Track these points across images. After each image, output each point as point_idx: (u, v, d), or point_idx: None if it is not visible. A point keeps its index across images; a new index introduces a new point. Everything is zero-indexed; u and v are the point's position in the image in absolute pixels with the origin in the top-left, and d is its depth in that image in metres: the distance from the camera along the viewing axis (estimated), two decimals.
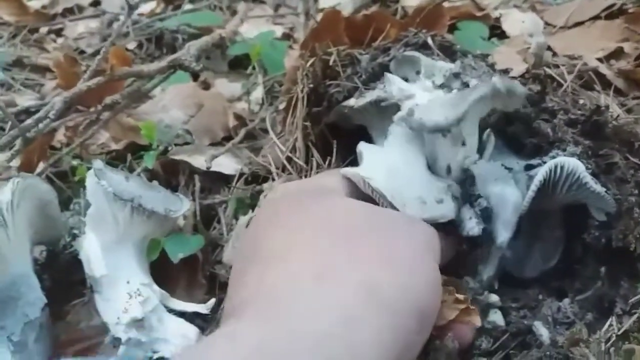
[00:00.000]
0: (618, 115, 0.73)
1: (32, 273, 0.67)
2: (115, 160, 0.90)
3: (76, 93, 0.74)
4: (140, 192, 0.65)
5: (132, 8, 0.82)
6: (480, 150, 0.72)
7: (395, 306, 0.41)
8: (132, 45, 1.38)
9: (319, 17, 1.27)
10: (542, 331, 0.63)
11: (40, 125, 0.75)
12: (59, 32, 1.54)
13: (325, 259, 0.42)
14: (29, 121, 0.73)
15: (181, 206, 0.70)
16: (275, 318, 0.38)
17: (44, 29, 1.55)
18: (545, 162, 0.67)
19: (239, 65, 1.23)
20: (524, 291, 0.71)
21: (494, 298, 0.68)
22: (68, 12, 1.61)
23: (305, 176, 0.79)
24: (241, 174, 0.84)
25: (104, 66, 0.80)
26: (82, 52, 1.42)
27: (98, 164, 0.65)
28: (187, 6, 1.35)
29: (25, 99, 1.15)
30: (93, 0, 1.65)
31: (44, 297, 0.65)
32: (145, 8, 1.51)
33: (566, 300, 0.68)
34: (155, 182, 0.72)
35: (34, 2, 1.65)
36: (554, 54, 0.97)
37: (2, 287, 0.63)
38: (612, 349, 0.56)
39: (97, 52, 1.34)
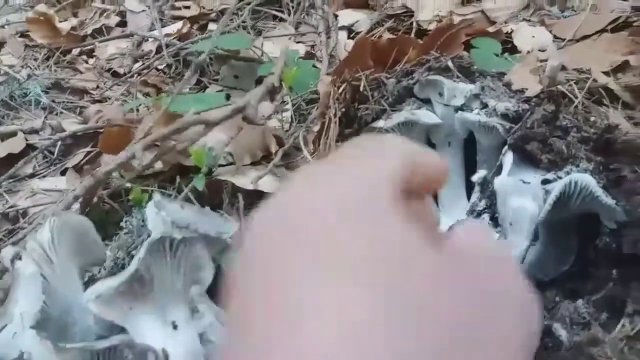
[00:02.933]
0: (627, 132, 0.80)
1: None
2: (163, 182, 0.98)
3: (152, 140, 0.82)
4: (195, 219, 0.73)
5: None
6: (500, 166, 0.79)
7: None
8: (162, 66, 1.46)
9: (340, 35, 1.35)
10: (561, 332, 0.70)
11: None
12: (90, 54, 1.62)
13: None
14: (111, 167, 0.80)
15: (231, 228, 0.78)
16: None
17: (75, 51, 1.63)
18: (560, 177, 0.75)
19: (260, 81, 1.30)
20: (542, 293, 0.78)
21: None
22: (97, 33, 1.69)
23: None
24: None
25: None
26: (115, 73, 1.50)
27: (157, 196, 0.73)
28: (213, 26, 1.42)
29: (69, 123, 1.23)
30: (120, 21, 1.73)
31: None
32: (172, 28, 1.58)
33: (580, 301, 0.75)
34: (207, 208, 0.79)
35: (64, 23, 1.73)
36: (564, 68, 1.04)
37: (57, 316, 0.68)
38: (626, 348, 0.63)
39: (131, 75, 1.43)
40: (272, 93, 1.05)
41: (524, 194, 0.75)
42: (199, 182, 0.87)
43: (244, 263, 0.29)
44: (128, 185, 0.96)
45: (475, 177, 0.79)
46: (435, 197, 0.95)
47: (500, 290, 0.29)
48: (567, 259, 0.81)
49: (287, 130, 1.10)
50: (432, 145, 0.94)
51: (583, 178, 0.72)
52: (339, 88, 0.89)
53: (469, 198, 0.87)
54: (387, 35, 1.25)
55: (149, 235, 0.71)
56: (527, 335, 0.29)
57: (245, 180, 0.93)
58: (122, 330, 0.69)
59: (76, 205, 0.92)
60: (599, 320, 0.72)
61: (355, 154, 0.33)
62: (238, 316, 0.27)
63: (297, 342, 0.24)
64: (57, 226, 0.73)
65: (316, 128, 0.93)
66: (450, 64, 0.90)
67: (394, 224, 0.28)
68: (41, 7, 1.67)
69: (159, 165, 0.95)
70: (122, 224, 0.84)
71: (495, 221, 0.79)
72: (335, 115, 0.89)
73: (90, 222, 0.78)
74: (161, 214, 0.70)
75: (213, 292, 0.79)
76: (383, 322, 0.24)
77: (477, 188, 0.77)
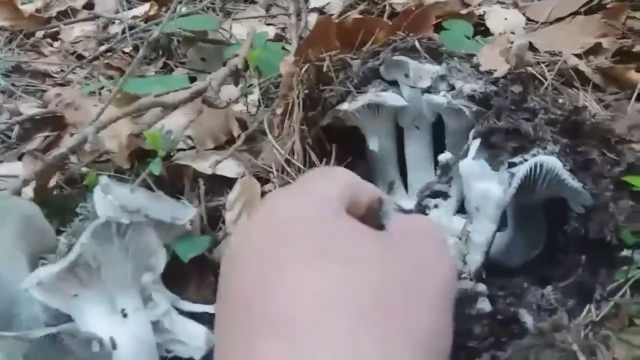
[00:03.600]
0: (595, 114, 0.78)
1: None
2: (120, 166, 0.94)
3: (105, 123, 0.78)
4: (146, 204, 0.69)
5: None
6: (467, 150, 0.77)
7: None
8: (128, 49, 1.41)
9: (310, 17, 1.32)
10: (527, 318, 0.68)
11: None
12: (54, 36, 1.57)
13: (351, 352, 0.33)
14: (62, 150, 0.76)
15: (186, 214, 0.75)
16: None
17: (39, 33, 1.58)
18: (526, 160, 0.72)
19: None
20: (510, 279, 0.76)
21: (482, 287, 0.73)
22: (62, 15, 1.64)
23: None
24: (243, 177, 0.89)
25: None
26: (80, 56, 1.46)
27: (104, 179, 0.70)
28: (182, 8, 1.38)
29: (28, 107, 1.18)
30: (86, 3, 1.68)
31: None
32: (139, 10, 1.54)
33: (549, 288, 0.73)
34: (160, 192, 0.76)
35: (28, 5, 1.68)
36: (536, 51, 1.02)
37: (2, 305, 0.66)
38: (590, 334, 0.61)
39: (95, 58, 1.38)
40: (237, 75, 1.01)
41: (490, 178, 0.73)
42: (155, 167, 0.83)
43: (236, 257, 0.40)
44: (85, 169, 0.92)
45: (441, 157, 0.77)
46: (405, 182, 0.93)
47: (423, 259, 0.42)
48: (535, 245, 0.79)
49: (253, 114, 1.07)
50: (399, 128, 0.92)
51: (549, 160, 0.70)
52: (301, 69, 0.86)
53: None
54: (358, 17, 1.21)
55: None
56: (445, 288, 0.41)
57: (206, 165, 0.89)
58: (70, 318, 0.66)
59: (29, 191, 0.88)
60: (566, 307, 0.70)
61: (312, 180, 0.47)
62: (228, 314, 0.38)
63: (280, 300, 0.35)
64: (1, 211, 0.69)
65: (279, 111, 0.90)
66: (417, 44, 0.87)
67: (341, 222, 0.41)
68: None
69: (115, 149, 0.91)
70: (78, 209, 0.81)
71: (462, 208, 0.77)
72: (298, 97, 0.86)
73: (38, 207, 0.74)
74: (108, 198, 0.67)
75: (169, 279, 0.77)
76: (340, 287, 0.35)
77: (438, 170, 0.75)
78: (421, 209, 0.76)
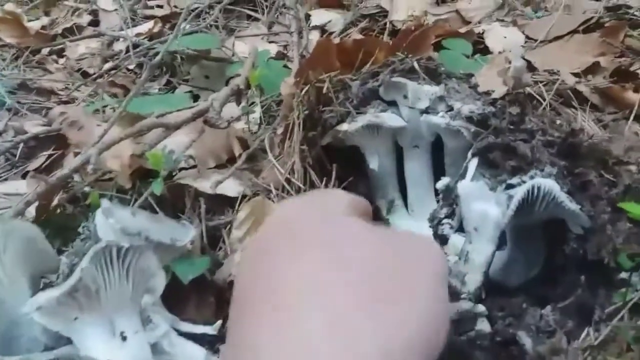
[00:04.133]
0: (593, 135, 0.79)
1: None
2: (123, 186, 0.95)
3: (108, 144, 0.79)
4: (147, 226, 0.70)
5: None
6: (465, 170, 0.78)
7: None
8: (132, 66, 1.43)
9: (312, 35, 1.33)
10: (526, 340, 0.68)
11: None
12: (60, 53, 1.59)
13: (340, 313, 0.38)
14: (65, 171, 0.77)
15: (187, 235, 0.75)
16: None
17: (45, 50, 1.59)
18: (524, 182, 0.73)
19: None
20: (509, 300, 0.76)
21: (481, 308, 0.73)
22: (68, 32, 1.66)
23: None
24: (244, 196, 0.89)
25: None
26: (85, 73, 1.47)
27: (105, 202, 0.71)
28: (185, 26, 1.40)
29: (33, 125, 1.20)
30: (91, 20, 1.69)
31: None
32: (143, 27, 1.55)
33: (548, 308, 0.73)
34: (161, 214, 0.77)
35: (34, 23, 1.70)
36: (534, 70, 1.02)
37: (3, 328, 0.66)
38: (589, 358, 0.61)
39: (100, 76, 1.40)
40: (239, 95, 1.02)
41: (488, 199, 0.73)
42: (157, 187, 0.84)
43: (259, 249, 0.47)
44: (87, 189, 0.93)
45: (439, 185, 0.77)
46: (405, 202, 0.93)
47: (412, 251, 0.47)
48: (534, 265, 0.79)
49: (254, 133, 1.07)
50: (399, 147, 0.93)
51: (546, 183, 0.70)
52: (302, 90, 0.87)
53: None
54: (358, 36, 1.23)
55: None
56: (434, 272, 0.45)
57: (207, 185, 0.90)
58: (70, 341, 0.67)
59: (31, 209, 0.89)
60: (565, 328, 0.70)
61: (315, 194, 0.59)
62: (245, 292, 0.43)
63: (296, 267, 0.42)
64: (3, 234, 0.70)
65: (280, 130, 0.91)
66: (415, 65, 0.88)
67: (348, 220, 0.47)
68: (9, 6, 1.64)
69: (118, 169, 0.92)
70: (80, 229, 0.82)
71: (462, 227, 0.77)
72: (298, 117, 0.87)
73: (38, 229, 0.75)
74: (109, 222, 0.68)
75: (168, 299, 0.77)
76: (339, 271, 0.41)
77: (440, 195, 0.75)
78: (441, 236, 0.76)
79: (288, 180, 0.87)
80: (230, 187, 0.91)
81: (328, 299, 0.39)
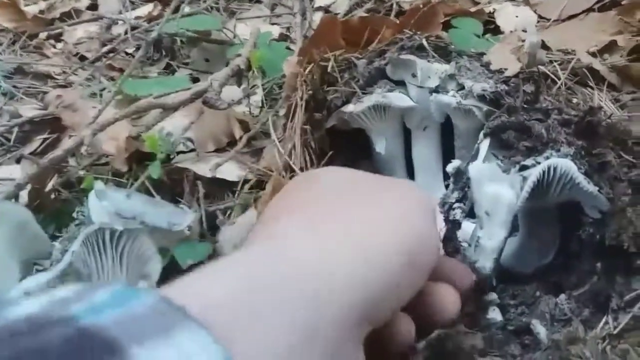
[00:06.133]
0: (611, 115, 0.75)
1: None
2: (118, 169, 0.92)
3: (103, 125, 0.76)
4: (143, 209, 0.67)
5: None
6: (476, 152, 0.74)
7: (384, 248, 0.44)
8: (131, 49, 1.39)
9: (315, 16, 1.29)
10: (540, 329, 0.65)
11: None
12: (58, 37, 1.55)
13: (330, 211, 0.46)
14: (58, 152, 0.74)
15: (184, 219, 0.72)
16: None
17: (42, 35, 1.56)
18: (539, 163, 0.69)
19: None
20: (521, 287, 0.73)
21: (493, 296, 0.70)
22: (66, 16, 1.62)
23: None
24: (245, 180, 0.86)
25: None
26: (83, 57, 1.44)
27: (99, 185, 0.67)
28: (187, 8, 1.36)
29: (29, 109, 1.17)
30: (90, 4, 1.66)
31: None
32: (142, 11, 1.52)
33: (562, 296, 0.70)
34: (158, 198, 0.74)
35: (32, 7, 1.66)
36: (548, 49, 0.98)
37: None
38: (608, 347, 0.58)
39: (97, 59, 1.37)
40: (239, 76, 0.99)
41: (501, 181, 0.70)
42: (155, 170, 0.81)
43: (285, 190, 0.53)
44: (82, 173, 0.90)
45: (449, 168, 0.74)
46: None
47: (403, 185, 0.57)
48: (548, 251, 0.76)
49: (256, 115, 1.04)
50: (407, 130, 0.89)
51: (563, 163, 0.66)
52: (305, 70, 0.83)
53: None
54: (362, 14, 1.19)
55: None
56: (417, 197, 0.51)
57: (206, 168, 0.87)
58: None
59: (25, 195, 0.86)
60: (581, 317, 0.67)
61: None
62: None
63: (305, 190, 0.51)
64: None
65: (282, 112, 0.87)
66: (424, 42, 0.84)
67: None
68: None
69: (113, 152, 0.88)
70: (74, 214, 0.79)
71: (472, 212, 0.73)
72: (302, 98, 0.83)
73: (30, 213, 0.72)
74: (102, 204, 0.65)
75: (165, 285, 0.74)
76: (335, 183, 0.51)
77: (451, 179, 0.72)
78: (452, 221, 0.72)
79: (287, 164, 0.84)
80: (230, 171, 0.88)
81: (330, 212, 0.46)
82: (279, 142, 0.88)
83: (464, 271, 0.58)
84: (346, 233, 0.43)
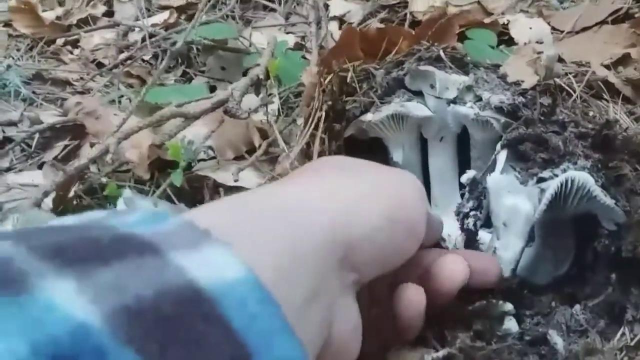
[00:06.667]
0: (627, 127, 0.76)
1: None
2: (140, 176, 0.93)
3: (127, 134, 0.77)
4: None
5: None
6: (494, 163, 0.75)
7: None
8: (148, 57, 1.41)
9: (330, 25, 1.31)
10: (557, 339, 0.66)
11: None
12: (74, 44, 1.57)
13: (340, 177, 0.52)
14: (83, 160, 0.76)
15: None
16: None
17: (60, 41, 1.58)
18: (556, 175, 0.70)
19: (247, 73, 1.26)
20: (536, 297, 0.74)
21: (509, 306, 0.71)
22: (82, 22, 1.64)
23: None
24: None
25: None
26: (100, 64, 1.46)
27: (127, 192, 0.69)
28: (203, 16, 1.38)
29: (49, 115, 1.18)
30: (106, 10, 1.68)
31: None
32: (159, 18, 1.54)
33: (577, 307, 0.71)
34: (181, 205, 0.75)
35: (49, 13, 1.68)
36: (562, 61, 1.00)
37: None
38: (625, 359, 0.59)
39: (115, 66, 1.38)
40: (257, 85, 1.01)
41: (518, 193, 0.71)
42: (177, 178, 0.82)
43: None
44: (104, 180, 0.92)
45: (464, 178, 0.75)
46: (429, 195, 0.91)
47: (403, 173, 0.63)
48: (563, 262, 0.76)
49: (273, 124, 1.05)
50: (423, 140, 0.90)
51: (580, 176, 0.68)
52: (324, 79, 0.85)
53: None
54: (379, 26, 1.20)
55: None
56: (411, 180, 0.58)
57: (226, 176, 0.88)
58: None
59: (48, 201, 0.88)
60: (597, 328, 0.68)
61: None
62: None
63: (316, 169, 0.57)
64: (21, 224, 0.69)
65: (300, 121, 0.88)
66: (442, 54, 0.86)
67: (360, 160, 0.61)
68: None
69: (136, 159, 0.90)
70: None
71: (487, 222, 0.75)
72: (321, 108, 0.84)
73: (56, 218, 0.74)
74: None
75: None
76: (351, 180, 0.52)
77: (466, 189, 0.73)
78: (467, 230, 0.74)
79: None
80: (249, 178, 0.90)
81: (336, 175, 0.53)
82: (297, 150, 0.90)
83: (489, 261, 0.63)
84: (331, 191, 0.47)
